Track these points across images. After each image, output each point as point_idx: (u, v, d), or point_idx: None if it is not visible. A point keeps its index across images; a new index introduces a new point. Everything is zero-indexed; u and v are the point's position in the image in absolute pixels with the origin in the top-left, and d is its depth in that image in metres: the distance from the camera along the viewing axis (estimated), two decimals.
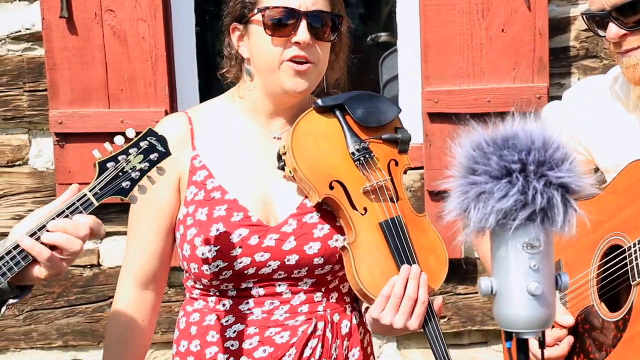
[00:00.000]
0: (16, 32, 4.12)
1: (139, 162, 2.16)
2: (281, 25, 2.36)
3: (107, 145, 2.15)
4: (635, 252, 2.29)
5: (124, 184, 2.15)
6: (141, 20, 3.97)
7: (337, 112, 2.42)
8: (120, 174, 2.14)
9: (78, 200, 2.11)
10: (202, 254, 2.37)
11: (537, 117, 1.69)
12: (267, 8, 2.36)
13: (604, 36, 2.40)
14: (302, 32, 2.35)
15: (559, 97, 3.96)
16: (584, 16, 2.46)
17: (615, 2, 2.34)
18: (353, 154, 2.39)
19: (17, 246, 2.08)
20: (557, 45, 3.97)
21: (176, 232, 2.46)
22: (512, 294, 1.70)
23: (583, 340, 2.44)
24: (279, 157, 2.41)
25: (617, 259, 2.35)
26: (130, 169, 2.15)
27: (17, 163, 4.22)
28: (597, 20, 2.40)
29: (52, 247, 2.10)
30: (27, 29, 4.12)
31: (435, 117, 3.95)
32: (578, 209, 1.66)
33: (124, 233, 3.58)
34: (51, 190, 4.19)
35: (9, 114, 4.15)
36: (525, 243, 1.68)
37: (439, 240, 2.42)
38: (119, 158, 2.14)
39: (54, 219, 2.09)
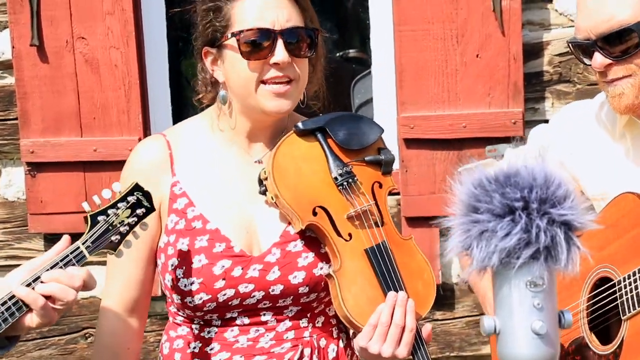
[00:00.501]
0: None
1: (127, 217, 2.21)
2: (257, 47, 2.31)
3: (95, 198, 2.19)
4: (625, 286, 2.28)
5: (113, 238, 2.20)
6: (114, 47, 3.93)
7: (319, 135, 2.37)
8: (110, 227, 2.19)
9: (71, 253, 2.16)
10: (185, 286, 2.34)
11: (539, 154, 1.68)
12: (241, 32, 2.31)
13: (590, 65, 2.40)
14: (280, 53, 2.30)
15: (534, 122, 4.00)
16: (570, 44, 2.45)
17: (601, 31, 2.33)
18: (336, 178, 2.34)
19: (12, 297, 2.12)
20: (530, 70, 3.99)
21: (157, 259, 2.42)
22: (516, 333, 1.69)
23: None
24: (260, 182, 2.37)
25: (607, 292, 2.34)
26: (119, 223, 2.20)
27: None
28: (583, 48, 2.39)
29: (46, 297, 2.14)
30: None
31: (411, 142, 3.94)
32: (581, 247, 1.65)
33: (97, 263, 3.52)
34: (22, 220, 4.12)
35: None
36: (529, 281, 1.67)
37: (425, 264, 2.39)
38: (109, 212, 2.19)
39: (47, 270, 2.14)
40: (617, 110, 2.41)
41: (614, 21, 2.32)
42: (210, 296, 2.33)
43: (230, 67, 2.35)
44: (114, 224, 2.20)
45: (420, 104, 3.92)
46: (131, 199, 2.21)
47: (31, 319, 2.14)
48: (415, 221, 3.95)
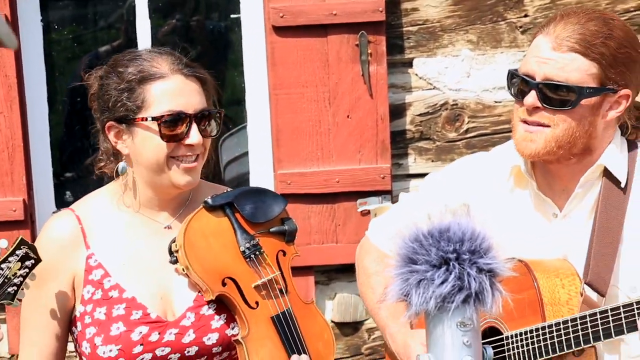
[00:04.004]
0: None
1: (18, 269, 2.39)
2: (175, 130, 2.48)
3: None
4: (513, 342, 2.54)
5: (10, 290, 2.38)
6: None
7: (227, 210, 2.57)
8: (6, 280, 2.37)
9: None
10: (104, 353, 2.48)
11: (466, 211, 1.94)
12: (162, 116, 2.46)
13: (514, 96, 2.55)
14: (195, 135, 2.48)
15: (399, 176, 4.32)
16: (511, 73, 2.58)
17: (548, 77, 2.49)
18: (244, 252, 2.54)
19: None
20: (395, 128, 4.30)
21: (72, 328, 2.55)
22: None
23: None
24: (171, 252, 2.54)
25: (496, 342, 2.59)
26: (13, 275, 2.38)
27: None
28: (522, 83, 2.53)
29: None
30: None
31: (288, 197, 4.14)
32: (503, 291, 1.93)
33: None
34: None
35: None
36: (459, 322, 1.92)
37: (326, 325, 2.65)
38: (2, 266, 2.37)
39: None
40: (521, 152, 2.56)
41: (562, 74, 2.48)
42: None
43: (141, 144, 2.50)
44: (8, 276, 2.36)
45: (296, 162, 4.19)
46: (19, 252, 2.38)
47: None
48: (293, 270, 4.18)
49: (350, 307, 4.33)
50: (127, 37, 4.93)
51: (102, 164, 2.61)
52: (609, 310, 2.41)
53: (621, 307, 2.39)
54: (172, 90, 2.50)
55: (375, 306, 2.70)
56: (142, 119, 2.49)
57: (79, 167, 4.83)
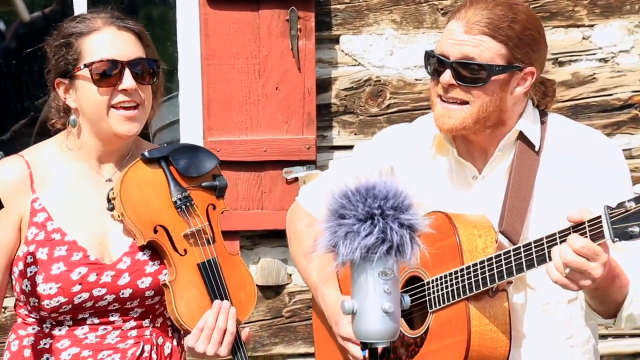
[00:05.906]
0: None
1: None
2: (107, 76, 2.66)
3: None
4: (433, 287, 2.77)
5: None
6: None
7: (162, 163, 2.75)
8: None
9: None
10: (44, 291, 2.65)
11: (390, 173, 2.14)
12: (93, 63, 2.65)
13: (432, 76, 2.77)
14: (128, 80, 2.66)
15: (323, 147, 4.52)
16: (427, 53, 2.80)
17: (461, 57, 2.72)
18: (176, 202, 2.73)
19: None
20: (320, 102, 4.48)
21: (14, 267, 2.71)
22: (370, 312, 2.15)
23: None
24: (109, 200, 2.73)
25: (417, 289, 2.83)
26: None
27: None
28: (437, 62, 2.75)
29: None
30: None
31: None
32: (422, 245, 2.14)
33: None
34: None
35: None
36: (381, 272, 2.13)
37: (249, 276, 2.85)
38: None
39: None
40: (440, 127, 2.79)
41: (474, 54, 2.71)
42: (67, 299, 2.67)
43: (82, 94, 2.69)
44: None
45: (226, 130, 4.36)
46: None
47: None
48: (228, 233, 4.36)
49: (273, 272, 4.51)
50: (61, 4, 5.00)
51: (53, 120, 2.78)
52: (522, 247, 2.63)
53: (532, 243, 2.61)
54: (104, 40, 2.69)
55: (308, 269, 2.91)
56: (78, 69, 2.67)
57: (10, 130, 4.91)
